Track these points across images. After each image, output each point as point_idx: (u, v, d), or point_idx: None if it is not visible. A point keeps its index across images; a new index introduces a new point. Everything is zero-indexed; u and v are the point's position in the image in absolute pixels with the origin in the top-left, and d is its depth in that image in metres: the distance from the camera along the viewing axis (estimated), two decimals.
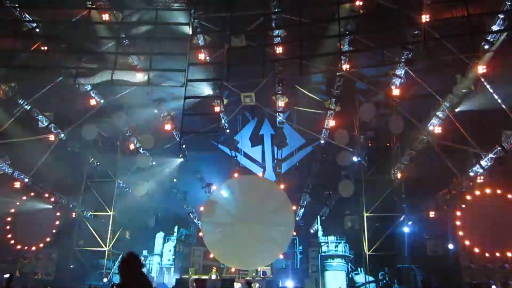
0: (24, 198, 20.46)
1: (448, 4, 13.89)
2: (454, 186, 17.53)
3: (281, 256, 21.23)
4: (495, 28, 12.98)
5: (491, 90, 14.02)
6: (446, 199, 18.08)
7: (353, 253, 20.74)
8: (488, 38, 13.31)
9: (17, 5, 15.34)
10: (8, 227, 20.31)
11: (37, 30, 16.01)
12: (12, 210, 20.54)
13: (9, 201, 19.85)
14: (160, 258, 22.60)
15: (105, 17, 15.96)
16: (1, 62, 15.14)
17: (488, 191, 17.28)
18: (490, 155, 15.43)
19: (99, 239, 20.22)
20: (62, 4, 15.23)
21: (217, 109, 18.62)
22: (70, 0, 15.55)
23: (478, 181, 17.00)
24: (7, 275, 11.64)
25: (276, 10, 15.76)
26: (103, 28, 16.33)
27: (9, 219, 20.42)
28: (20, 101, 17.46)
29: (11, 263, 19.87)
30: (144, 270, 4.83)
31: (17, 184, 18.82)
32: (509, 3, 12.35)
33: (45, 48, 15.58)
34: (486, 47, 13.48)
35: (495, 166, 15.56)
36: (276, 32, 16.09)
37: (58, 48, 15.92)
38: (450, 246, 18.65)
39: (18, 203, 20.54)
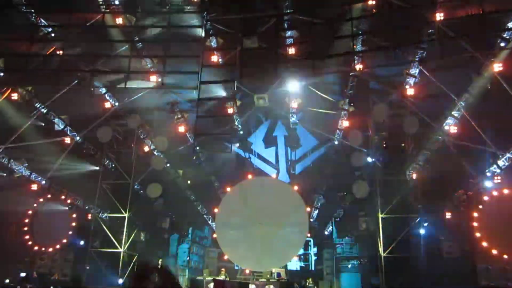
0: (41, 200, 20.81)
1: (462, 2, 13.74)
2: (471, 186, 17.27)
3: (295, 258, 21.15)
4: (510, 25, 12.80)
5: (507, 88, 13.79)
6: (462, 200, 17.82)
7: (367, 255, 20.58)
8: (504, 35, 13.12)
9: (32, 10, 15.64)
10: (25, 228, 20.69)
11: (53, 34, 16.32)
12: (30, 212, 20.92)
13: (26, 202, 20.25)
14: (175, 259, 22.74)
15: (119, 20, 16.18)
16: (18, 66, 15.46)
17: (506, 191, 16.99)
18: (508, 155, 15.18)
19: (114, 241, 20.39)
20: (76, 8, 15.49)
21: (230, 110, 18.65)
22: (84, 4, 15.83)
23: (496, 181, 16.72)
24: (23, 274, 11.82)
25: (288, 11, 15.79)
26: (117, 31, 16.55)
27: (26, 220, 20.80)
28: (36, 104, 17.80)
29: (29, 263, 20.23)
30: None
31: (34, 186, 19.14)
32: None
33: (61, 52, 15.84)
34: (502, 44, 13.29)
35: None
36: (289, 33, 16.11)
37: (73, 52, 16.17)
38: (467, 248, 18.35)
39: (35, 205, 20.91)
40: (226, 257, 21.01)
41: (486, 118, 16.09)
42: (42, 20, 15.95)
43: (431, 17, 13.58)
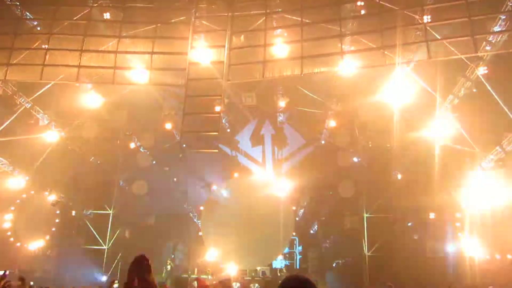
0: (24, 196, 20.48)
1: (449, 5, 13.88)
2: (455, 187, 17.48)
3: (280, 256, 21.21)
4: (496, 29, 12.97)
5: (492, 91, 13.97)
6: (446, 200, 18.03)
7: (352, 254, 20.74)
8: (490, 39, 13.29)
9: (18, 3, 15.37)
10: (8, 225, 20.34)
11: (38, 28, 16.05)
12: (12, 208, 20.57)
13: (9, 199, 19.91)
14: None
15: (106, 15, 15.99)
16: (1, 60, 15.16)
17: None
18: (491, 156, 15.40)
19: (98, 238, 20.18)
20: (63, 2, 15.27)
21: (218, 108, 18.57)
22: None
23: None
24: (1, 272, 11.53)
25: (277, 10, 15.78)
26: (104, 26, 16.35)
27: (9, 216, 20.45)
28: (20, 99, 17.49)
29: (11, 260, 19.91)
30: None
31: (17, 182, 18.81)
32: (510, 4, 12.34)
33: (46, 46, 15.58)
34: (488, 48, 13.45)
35: (495, 167, 15.54)
36: (277, 32, 16.09)
37: (59, 47, 15.91)
38: (450, 248, 18.60)
39: (18, 201, 20.57)
40: (211, 254, 20.95)
41: (471, 120, 16.29)
42: (28, 13, 15.66)
43: (418, 20, 13.68)
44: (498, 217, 16.45)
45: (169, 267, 22.68)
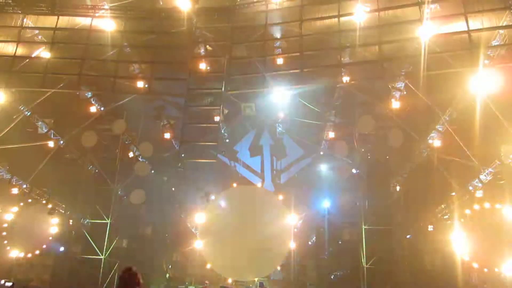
0: (22, 204, 20.39)
1: (449, 19, 14.00)
2: (453, 200, 17.47)
3: (278, 268, 21.07)
4: (495, 43, 13.08)
5: (490, 104, 14.02)
6: (444, 213, 18.00)
7: (350, 266, 20.65)
8: (488, 53, 13.39)
9: (20, 11, 15.46)
10: (4, 233, 20.23)
11: (40, 37, 16.14)
12: (9, 216, 20.47)
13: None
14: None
15: (108, 24, 16.07)
16: (2, 67, 15.22)
17: (487, 205, 17.23)
18: (489, 169, 15.40)
19: (95, 247, 20.05)
20: (65, 11, 15.37)
21: (217, 118, 18.61)
22: (73, 8, 15.70)
23: (477, 195, 16.94)
24: (9, 284, 11.49)
25: (278, 21, 15.90)
26: (105, 36, 16.43)
27: (5, 225, 20.34)
28: (20, 107, 17.51)
29: (6, 270, 19.76)
30: None
31: (15, 190, 18.75)
32: (508, 19, 12.45)
33: (47, 54, 15.65)
34: (486, 62, 13.53)
35: (494, 180, 15.53)
36: (277, 43, 16.20)
37: (60, 55, 15.97)
38: (449, 261, 18.51)
39: (15, 209, 20.48)
40: (209, 265, 20.83)
41: (469, 132, 16.31)
42: (30, 22, 15.75)
43: (417, 32, 13.80)
44: (496, 230, 16.43)
45: (167, 275, 22.52)
